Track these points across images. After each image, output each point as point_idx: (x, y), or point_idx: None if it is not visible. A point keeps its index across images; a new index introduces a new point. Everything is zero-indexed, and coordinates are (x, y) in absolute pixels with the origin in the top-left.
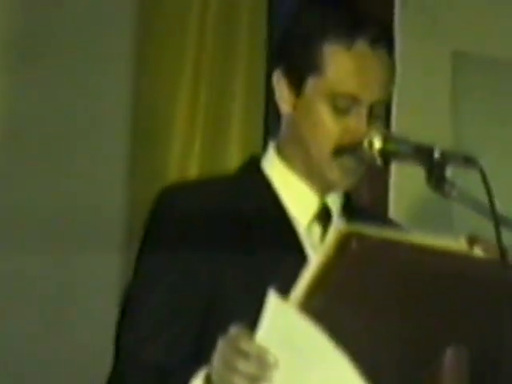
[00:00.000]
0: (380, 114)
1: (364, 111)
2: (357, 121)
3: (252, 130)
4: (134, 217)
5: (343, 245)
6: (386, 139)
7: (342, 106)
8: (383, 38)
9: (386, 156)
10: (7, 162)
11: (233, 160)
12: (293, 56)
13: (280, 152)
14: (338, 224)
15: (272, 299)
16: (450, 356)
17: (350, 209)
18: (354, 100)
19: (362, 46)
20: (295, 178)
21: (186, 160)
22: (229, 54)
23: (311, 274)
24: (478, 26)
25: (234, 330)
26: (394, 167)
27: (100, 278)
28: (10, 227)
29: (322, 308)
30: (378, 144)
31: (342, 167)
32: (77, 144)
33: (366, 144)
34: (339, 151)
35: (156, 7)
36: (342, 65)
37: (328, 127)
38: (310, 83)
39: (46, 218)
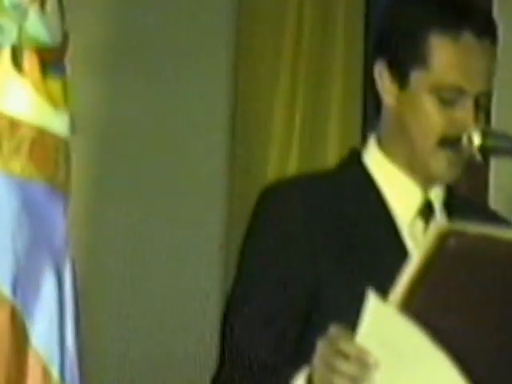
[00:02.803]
0: (485, 104)
1: (470, 103)
2: (463, 112)
3: (349, 128)
4: (234, 216)
5: (441, 243)
6: (485, 135)
7: (447, 97)
8: (488, 29)
9: (485, 152)
10: (104, 165)
11: (331, 158)
12: (397, 49)
13: (381, 145)
14: (437, 221)
15: (371, 300)
16: None
17: (452, 203)
18: (460, 92)
19: (468, 37)
20: (398, 171)
21: (284, 159)
22: (325, 52)
23: (410, 273)
24: None
25: (333, 330)
26: (493, 161)
27: (201, 273)
28: None
29: (422, 308)
30: (477, 140)
31: (447, 159)
32: (177, 147)
33: (465, 140)
34: (444, 142)
35: (253, 13)
36: (448, 57)
37: (434, 119)
38: (415, 76)
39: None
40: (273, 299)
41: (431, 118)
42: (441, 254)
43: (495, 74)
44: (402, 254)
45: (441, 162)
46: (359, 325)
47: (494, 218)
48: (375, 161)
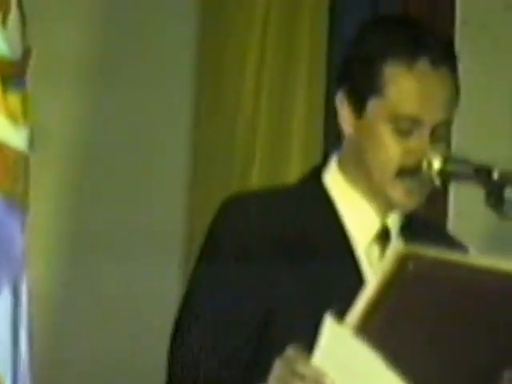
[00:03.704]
0: (443, 134)
1: (426, 132)
2: (419, 142)
3: (312, 143)
4: (195, 229)
5: (400, 266)
6: (445, 160)
7: (403, 127)
8: (445, 57)
9: (445, 177)
10: (67, 178)
11: (293, 172)
12: (354, 78)
13: (342, 168)
14: (395, 245)
15: (329, 322)
16: (507, 380)
17: (409, 227)
18: (416, 122)
19: (423, 65)
20: (357, 195)
21: (247, 173)
22: (289, 67)
23: (368, 296)
24: None
25: (290, 351)
26: (453, 190)
27: (161, 288)
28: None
29: (379, 331)
30: (436, 165)
31: (406, 188)
32: (139, 159)
33: (424, 165)
34: (401, 173)
35: (218, 27)
36: (403, 86)
37: (390, 149)
38: (372, 105)
39: (110, 231)
40: (227, 314)
41: (388, 148)
42: (399, 277)
43: (457, 102)
44: (357, 277)
45: (399, 192)
46: (316, 346)
47: (451, 241)
48: (335, 181)
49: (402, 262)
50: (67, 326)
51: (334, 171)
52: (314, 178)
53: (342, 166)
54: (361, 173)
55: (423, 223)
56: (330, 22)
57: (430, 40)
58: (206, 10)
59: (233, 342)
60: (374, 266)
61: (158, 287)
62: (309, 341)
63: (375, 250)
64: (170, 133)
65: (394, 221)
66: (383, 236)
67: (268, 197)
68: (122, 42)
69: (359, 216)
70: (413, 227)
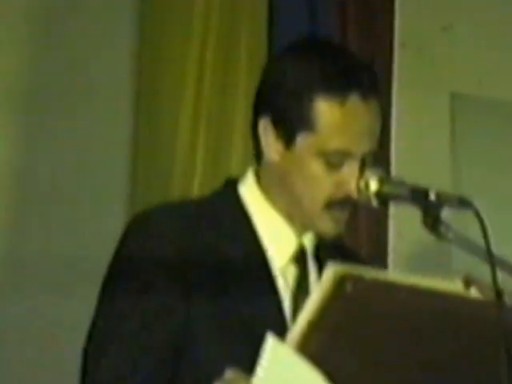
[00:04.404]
0: (371, 161)
1: (356, 164)
2: (349, 173)
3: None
4: None
5: (338, 287)
6: (381, 181)
7: (334, 161)
8: (373, 88)
9: (382, 198)
10: (14, 201)
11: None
12: (283, 108)
13: (261, 185)
14: (332, 266)
15: (270, 342)
16: None
17: (323, 248)
18: (346, 154)
19: (355, 100)
20: (275, 214)
21: (188, 178)
22: (229, 71)
23: (307, 316)
24: (476, 67)
25: (229, 373)
26: (393, 211)
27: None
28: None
29: (319, 350)
30: (373, 186)
31: (333, 219)
32: (79, 163)
33: (362, 185)
34: (331, 204)
35: (157, 36)
36: (334, 122)
37: (320, 182)
38: (301, 138)
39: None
40: (139, 340)
41: (319, 181)
42: (338, 298)
43: (381, 129)
44: (272, 297)
45: (327, 223)
46: (257, 367)
47: (364, 262)
48: (252, 196)
49: (339, 283)
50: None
51: (251, 185)
52: (229, 190)
53: (262, 184)
54: (285, 199)
55: (334, 243)
56: (269, 36)
57: (359, 73)
58: (144, 29)
59: (147, 367)
60: (289, 286)
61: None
62: (224, 366)
63: (291, 270)
64: (109, 139)
65: (309, 240)
66: (300, 256)
67: (181, 211)
68: (55, 67)
69: (277, 235)
70: (326, 246)
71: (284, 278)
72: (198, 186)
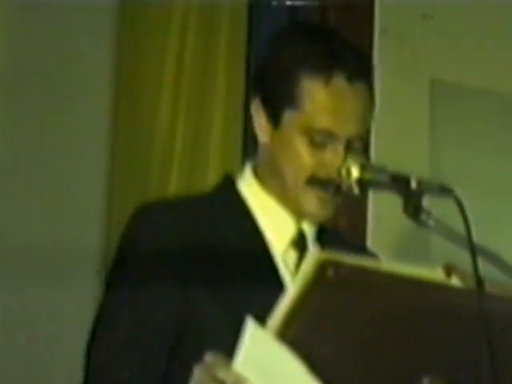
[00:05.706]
0: (358, 147)
1: (340, 146)
2: (333, 155)
3: (230, 151)
4: (111, 239)
5: (319, 273)
6: (363, 168)
7: (318, 140)
8: (361, 72)
9: (363, 185)
10: None
11: (211, 180)
12: (270, 88)
13: (257, 175)
14: (314, 252)
15: (250, 326)
16: None
17: (325, 235)
18: (331, 135)
19: (339, 81)
20: (272, 201)
21: (164, 182)
22: (207, 79)
23: (288, 301)
24: (456, 55)
25: (210, 357)
26: (372, 196)
27: (78, 297)
28: None
29: (300, 336)
30: (355, 173)
31: (318, 197)
32: (54, 167)
33: (343, 172)
34: (313, 182)
35: (134, 37)
36: (319, 101)
37: (304, 160)
38: (288, 116)
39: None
40: (140, 325)
41: (302, 159)
42: (319, 284)
43: (372, 115)
44: (275, 282)
45: (311, 200)
46: (237, 351)
47: (364, 252)
48: (250, 189)
49: (321, 269)
50: None
51: (249, 179)
52: (228, 186)
53: (258, 174)
54: (275, 181)
55: (336, 233)
56: (248, 31)
57: (346, 55)
58: (121, 31)
59: (146, 352)
60: (291, 272)
61: (74, 299)
62: (227, 348)
63: (292, 255)
64: (86, 141)
65: (309, 227)
66: (299, 242)
67: (182, 205)
68: (29, 51)
69: (275, 221)
70: (327, 235)
71: (284, 263)
72: (176, 172)
